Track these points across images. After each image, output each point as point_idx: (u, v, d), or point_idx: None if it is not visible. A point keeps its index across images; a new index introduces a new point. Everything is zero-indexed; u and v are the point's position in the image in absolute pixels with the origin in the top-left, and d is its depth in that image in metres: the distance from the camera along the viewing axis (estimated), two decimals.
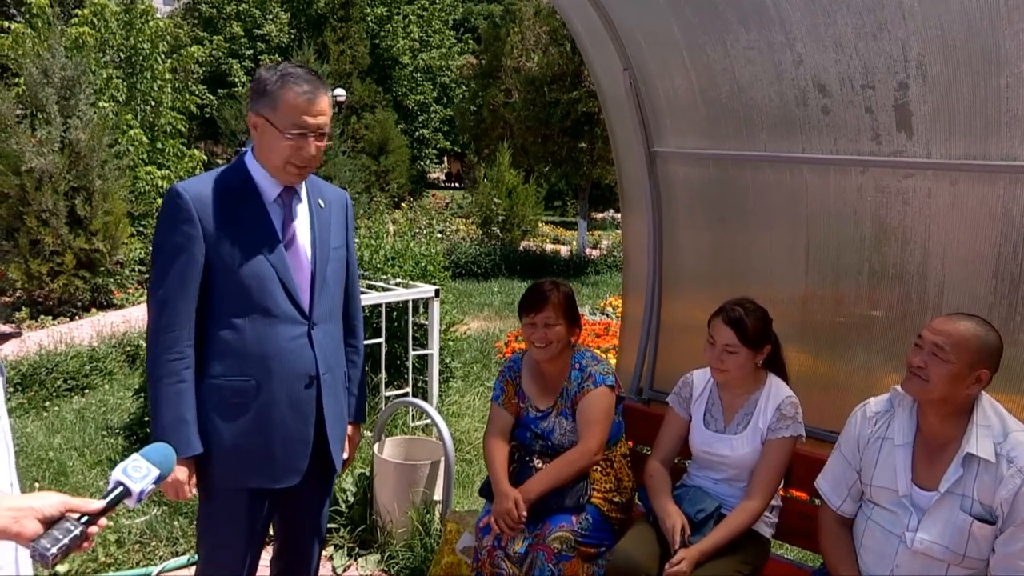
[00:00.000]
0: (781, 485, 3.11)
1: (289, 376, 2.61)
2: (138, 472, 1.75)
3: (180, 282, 2.49)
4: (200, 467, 2.59)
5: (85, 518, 1.64)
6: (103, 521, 1.69)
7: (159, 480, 1.80)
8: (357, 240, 6.56)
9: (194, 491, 2.59)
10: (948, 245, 3.08)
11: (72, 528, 1.60)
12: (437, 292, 5.65)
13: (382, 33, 35.73)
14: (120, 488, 1.73)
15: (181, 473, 2.51)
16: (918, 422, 2.52)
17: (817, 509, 2.84)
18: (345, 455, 2.90)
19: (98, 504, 1.67)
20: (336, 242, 2.77)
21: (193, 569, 4.15)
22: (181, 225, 2.48)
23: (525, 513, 3.10)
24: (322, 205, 2.75)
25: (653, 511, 3.07)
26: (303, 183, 2.69)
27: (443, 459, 4.16)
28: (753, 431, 3.03)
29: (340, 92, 25.43)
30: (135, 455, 1.79)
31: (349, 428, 2.94)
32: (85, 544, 1.63)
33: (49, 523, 1.60)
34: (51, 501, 1.62)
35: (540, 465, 3.26)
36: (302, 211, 2.69)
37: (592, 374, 3.27)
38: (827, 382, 3.48)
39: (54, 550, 1.55)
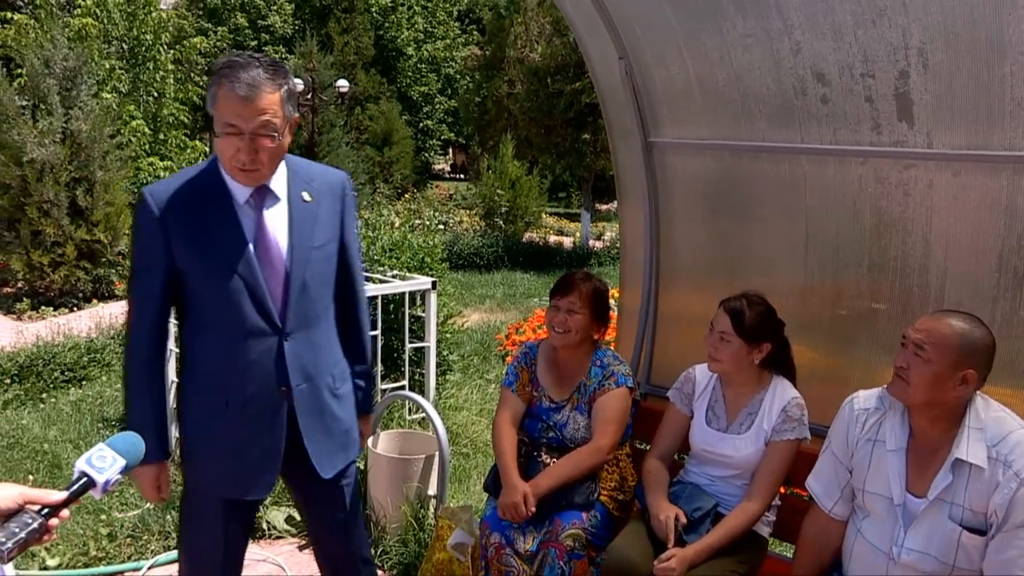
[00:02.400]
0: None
1: (258, 391, 2.49)
2: (103, 462, 1.69)
3: (148, 285, 2.47)
4: (183, 471, 2.65)
5: (46, 510, 1.59)
6: (65, 513, 1.63)
7: (125, 470, 1.74)
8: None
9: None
10: (950, 237, 3.00)
11: (30, 521, 1.55)
12: (434, 284, 5.60)
13: (386, 24, 35.71)
14: (84, 479, 1.67)
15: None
16: (911, 426, 2.38)
17: None
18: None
19: (59, 495, 1.61)
20: (321, 239, 2.55)
21: None
22: (145, 227, 2.42)
23: (534, 509, 3.05)
24: (307, 199, 2.52)
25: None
26: (284, 179, 2.50)
27: (437, 453, 4.11)
28: (757, 432, 2.97)
29: (343, 83, 25.38)
30: (100, 444, 1.73)
31: (360, 421, 2.85)
32: (46, 537, 1.58)
33: (7, 516, 1.55)
34: (8, 493, 1.56)
35: (548, 460, 3.21)
36: (279, 211, 2.48)
37: (615, 373, 3.24)
38: (826, 376, 3.41)
39: (9, 544, 1.49)
